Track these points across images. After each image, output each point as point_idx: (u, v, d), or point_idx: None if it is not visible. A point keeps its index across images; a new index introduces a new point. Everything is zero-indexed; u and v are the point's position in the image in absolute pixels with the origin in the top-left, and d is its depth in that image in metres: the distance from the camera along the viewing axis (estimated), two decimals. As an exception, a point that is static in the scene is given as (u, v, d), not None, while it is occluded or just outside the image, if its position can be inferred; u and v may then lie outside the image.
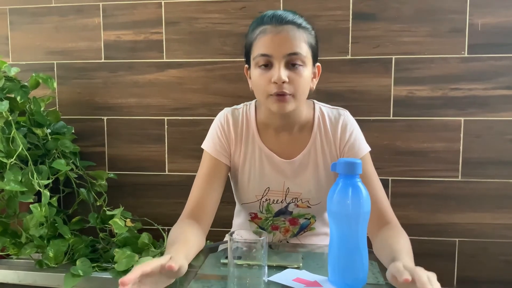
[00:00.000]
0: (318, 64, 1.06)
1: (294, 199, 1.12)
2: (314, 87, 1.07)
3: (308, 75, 1.00)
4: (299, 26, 0.98)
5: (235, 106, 1.17)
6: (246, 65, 1.09)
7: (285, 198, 1.13)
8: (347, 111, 1.14)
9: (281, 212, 1.15)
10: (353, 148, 1.08)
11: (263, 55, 0.98)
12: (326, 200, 1.06)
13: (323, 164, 1.10)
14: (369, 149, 1.11)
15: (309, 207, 1.13)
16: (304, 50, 0.98)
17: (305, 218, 1.16)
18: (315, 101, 1.16)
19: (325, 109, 1.13)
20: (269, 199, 1.13)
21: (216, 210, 1.11)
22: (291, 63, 0.97)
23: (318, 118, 1.11)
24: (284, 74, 0.96)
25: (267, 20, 0.99)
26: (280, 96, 0.98)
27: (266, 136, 1.12)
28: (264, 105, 1.07)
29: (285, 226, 1.18)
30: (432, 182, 1.58)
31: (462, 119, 1.55)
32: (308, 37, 1.00)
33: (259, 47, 0.98)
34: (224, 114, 1.14)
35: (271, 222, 1.17)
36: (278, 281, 0.85)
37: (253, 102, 1.17)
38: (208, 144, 1.13)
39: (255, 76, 1.01)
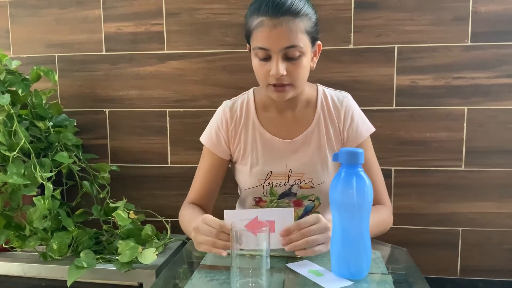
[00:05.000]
0: (318, 42, 1.07)
1: (297, 181, 1.15)
2: (315, 66, 1.08)
3: (307, 63, 1.02)
4: (296, 15, 0.96)
5: (234, 98, 1.22)
6: (248, 45, 1.10)
7: (288, 180, 1.15)
8: (349, 94, 1.18)
9: (285, 195, 1.18)
10: (356, 134, 1.14)
11: (261, 48, 0.99)
12: (330, 181, 1.11)
13: (327, 144, 1.14)
14: (372, 130, 1.17)
15: (312, 187, 1.15)
16: (302, 41, 0.98)
17: (309, 200, 1.18)
18: (318, 84, 1.20)
19: (328, 90, 1.18)
20: (272, 182, 1.16)
21: (216, 198, 1.25)
22: (289, 56, 0.98)
23: (321, 98, 1.15)
24: (282, 67, 0.97)
25: (264, 10, 0.97)
26: (279, 87, 1.01)
27: (267, 120, 1.16)
28: (264, 91, 1.10)
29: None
30: (435, 172, 1.57)
31: (465, 108, 1.54)
32: (307, 24, 0.99)
33: (257, 40, 0.99)
34: (222, 109, 1.19)
35: (276, 205, 1.19)
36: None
37: (251, 89, 1.21)
38: (207, 140, 1.21)
39: (255, 65, 1.04)
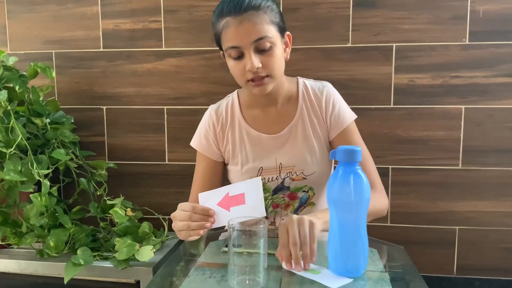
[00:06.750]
0: (287, 33, 1.10)
1: (288, 173, 1.16)
2: (288, 56, 1.11)
3: (280, 53, 1.05)
4: (258, 8, 1.00)
5: (219, 102, 1.24)
6: (221, 52, 1.11)
7: (280, 174, 1.16)
8: (329, 83, 1.20)
9: (279, 189, 1.18)
10: (338, 119, 1.15)
11: (232, 47, 1.02)
12: (321, 170, 1.15)
13: (313, 134, 1.16)
14: (355, 117, 1.18)
15: (304, 178, 1.16)
16: (270, 31, 1.01)
17: (303, 191, 1.18)
18: (299, 76, 1.21)
19: (308, 82, 1.19)
20: (264, 178, 1.17)
21: None
22: (261, 48, 1.01)
23: (302, 91, 1.17)
24: (256, 61, 1.00)
25: (227, 11, 1.01)
26: (258, 80, 1.03)
27: (252, 118, 1.18)
28: (245, 89, 1.13)
29: (285, 202, 1.20)
30: (432, 171, 1.58)
31: (463, 107, 1.54)
32: (271, 15, 1.02)
33: (227, 40, 1.03)
34: (209, 113, 1.22)
35: (271, 201, 1.20)
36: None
37: (235, 91, 1.24)
38: (198, 144, 1.23)
39: (231, 66, 1.07)
